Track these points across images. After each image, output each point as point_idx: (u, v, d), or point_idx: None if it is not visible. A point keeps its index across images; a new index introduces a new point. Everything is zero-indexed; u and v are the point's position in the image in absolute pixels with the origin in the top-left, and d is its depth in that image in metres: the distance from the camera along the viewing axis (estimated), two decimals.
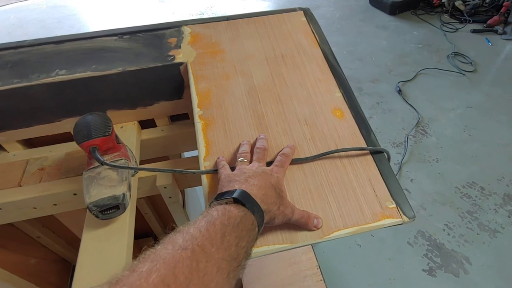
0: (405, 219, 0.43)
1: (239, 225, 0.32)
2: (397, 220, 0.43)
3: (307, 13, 0.72)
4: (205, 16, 2.88)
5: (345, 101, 0.56)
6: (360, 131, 0.51)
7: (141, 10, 3.05)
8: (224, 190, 0.38)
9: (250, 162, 0.45)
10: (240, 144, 0.49)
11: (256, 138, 0.50)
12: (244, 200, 0.34)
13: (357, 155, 0.49)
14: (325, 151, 0.48)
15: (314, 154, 0.48)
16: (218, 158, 0.47)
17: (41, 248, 0.93)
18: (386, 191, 0.45)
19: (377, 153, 0.49)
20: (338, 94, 0.57)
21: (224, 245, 0.29)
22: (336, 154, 0.48)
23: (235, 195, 0.35)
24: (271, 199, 0.38)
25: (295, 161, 0.47)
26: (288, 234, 0.41)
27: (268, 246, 0.40)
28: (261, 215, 0.35)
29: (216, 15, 0.72)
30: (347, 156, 0.48)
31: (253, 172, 0.40)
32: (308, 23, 0.70)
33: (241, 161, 0.45)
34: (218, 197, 0.36)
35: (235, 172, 0.42)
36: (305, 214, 0.41)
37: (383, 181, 0.46)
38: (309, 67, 0.61)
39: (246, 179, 0.39)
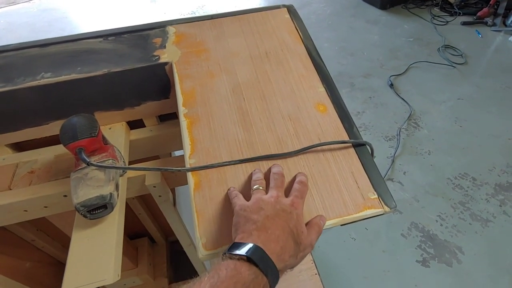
0: (387, 209, 0.44)
1: None
2: (379, 211, 0.44)
3: (290, 10, 0.73)
4: (197, 15, 2.87)
5: (328, 96, 0.56)
6: (343, 125, 0.52)
7: (132, 10, 3.03)
8: (239, 236, 0.35)
9: (266, 189, 0.43)
10: (252, 172, 0.46)
11: (270, 167, 0.47)
12: (258, 260, 0.32)
13: (340, 149, 0.49)
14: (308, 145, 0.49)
15: (297, 149, 0.49)
16: (229, 189, 0.44)
17: (36, 251, 0.94)
18: (368, 182, 0.46)
19: (359, 146, 0.50)
20: (321, 89, 0.57)
21: None
22: (319, 148, 0.49)
23: (249, 253, 0.32)
24: (289, 252, 0.35)
25: (278, 156, 0.48)
26: None
27: None
28: (276, 276, 0.33)
29: (208, 14, 0.73)
30: (330, 150, 0.49)
31: (271, 211, 0.38)
32: (292, 20, 0.71)
33: (256, 188, 0.42)
34: (232, 248, 0.34)
35: (251, 204, 0.39)
36: (320, 230, 0.40)
37: (365, 173, 0.47)
38: (292, 63, 0.62)
39: (263, 224, 0.36)
